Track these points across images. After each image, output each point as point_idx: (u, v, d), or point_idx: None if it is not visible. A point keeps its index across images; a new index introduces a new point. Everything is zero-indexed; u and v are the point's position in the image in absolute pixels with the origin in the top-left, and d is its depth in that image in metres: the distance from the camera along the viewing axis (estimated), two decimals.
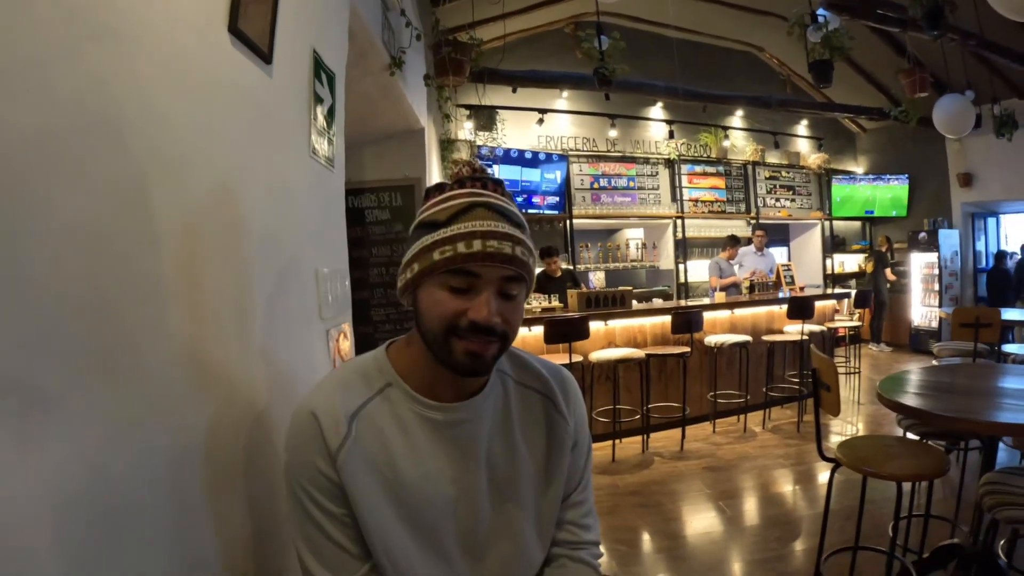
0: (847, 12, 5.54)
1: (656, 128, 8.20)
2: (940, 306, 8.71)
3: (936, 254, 8.87)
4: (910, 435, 2.99)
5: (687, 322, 5.34)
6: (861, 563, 2.81)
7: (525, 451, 1.12)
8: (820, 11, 5.39)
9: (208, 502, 1.07)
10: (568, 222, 7.61)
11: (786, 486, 4.32)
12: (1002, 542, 2.62)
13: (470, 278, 0.95)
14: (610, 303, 5.52)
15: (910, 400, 2.52)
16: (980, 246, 9.58)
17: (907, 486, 2.76)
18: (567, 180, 7.49)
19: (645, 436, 5.25)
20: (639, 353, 4.99)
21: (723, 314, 6.03)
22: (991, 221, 9.72)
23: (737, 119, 8.85)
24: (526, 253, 0.99)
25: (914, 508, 3.01)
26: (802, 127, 9.44)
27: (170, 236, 1.00)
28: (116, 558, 0.82)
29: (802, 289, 7.07)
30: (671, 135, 8.17)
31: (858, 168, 9.93)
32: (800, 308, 5.74)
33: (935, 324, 8.82)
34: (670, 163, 8.16)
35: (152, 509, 0.91)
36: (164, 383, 0.97)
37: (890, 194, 9.55)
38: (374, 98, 3.86)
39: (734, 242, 7.19)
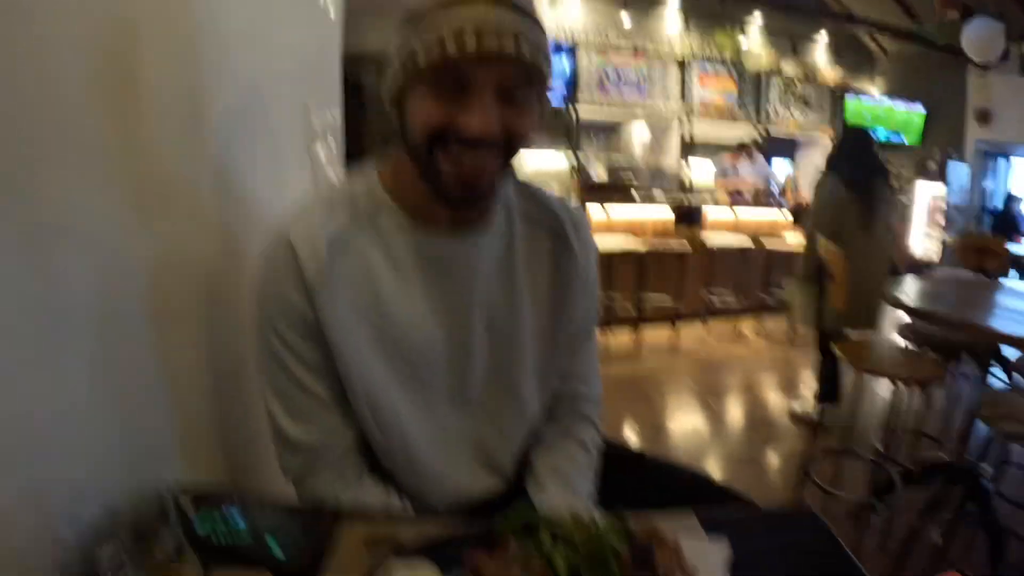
0: None
1: (670, 22, 8.10)
2: (944, 249, 8.86)
3: (944, 186, 8.98)
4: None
5: (690, 217, 5.44)
6: (848, 470, 2.98)
7: (528, 296, 1.06)
8: None
9: (153, 336, 0.98)
10: (574, 111, 7.57)
11: (775, 390, 4.57)
12: (989, 467, 2.75)
13: (463, 82, 0.83)
14: (611, 192, 5.61)
15: (914, 303, 2.65)
16: (989, 186, 9.69)
17: (898, 400, 2.92)
18: (575, 71, 7.44)
19: (637, 329, 5.51)
20: (639, 246, 5.20)
21: (726, 216, 6.18)
22: (1003, 162, 9.83)
23: (755, 27, 8.74)
24: (536, 47, 0.83)
25: (903, 423, 3.14)
26: (821, 42, 9.36)
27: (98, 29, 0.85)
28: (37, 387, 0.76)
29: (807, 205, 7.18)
30: (686, 26, 8.07)
31: (874, 90, 9.91)
32: (802, 216, 5.86)
33: (934, 257, 9.02)
34: (682, 63, 8.09)
35: (75, 342, 0.82)
36: (82, 193, 0.83)
37: (904, 119, 9.56)
38: None
39: (741, 147, 7.30)
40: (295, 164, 1.55)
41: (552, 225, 1.08)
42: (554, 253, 1.08)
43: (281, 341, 0.93)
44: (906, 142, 9.69)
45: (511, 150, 0.89)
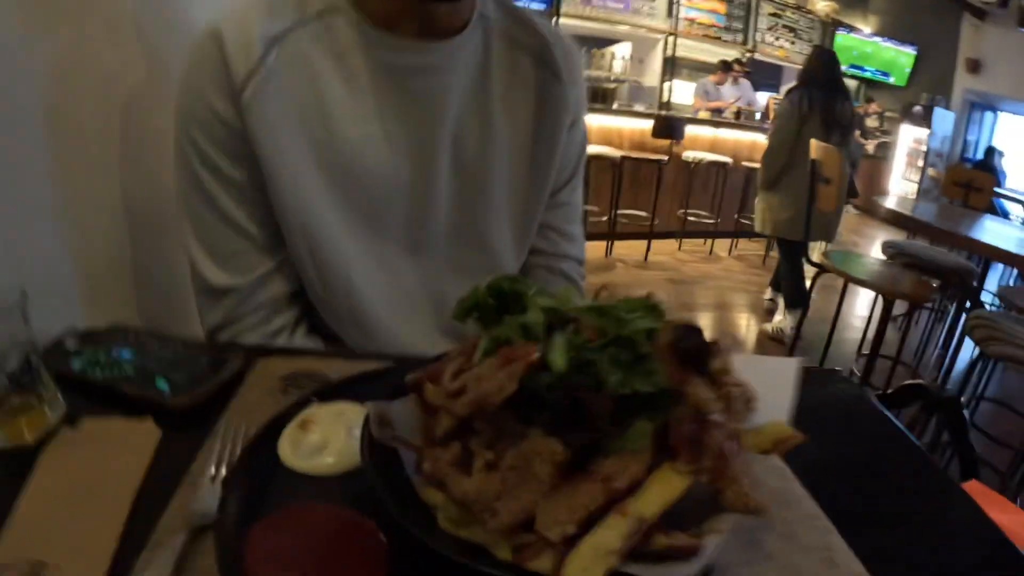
0: None
1: None
2: (920, 184, 8.80)
3: (927, 131, 8.85)
4: None
5: (669, 127, 5.22)
6: None
7: (505, 127, 0.92)
8: None
9: (51, 161, 0.86)
10: (555, 21, 7.17)
11: (747, 310, 4.51)
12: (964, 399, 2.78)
13: None
14: (590, 97, 5.30)
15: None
16: (972, 137, 9.60)
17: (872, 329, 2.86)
18: None
19: (610, 242, 5.37)
20: (615, 153, 4.86)
21: (706, 132, 6.03)
22: (988, 116, 9.71)
23: None
24: None
25: (882, 350, 2.93)
26: None
27: None
28: None
29: None
30: None
31: (866, 27, 9.65)
32: None
33: (912, 196, 8.93)
34: None
35: None
36: None
37: (892, 58, 9.36)
38: None
39: (725, 68, 7.11)
40: None
41: (538, 50, 0.93)
42: (538, 82, 0.93)
43: (203, 160, 0.80)
44: (892, 82, 9.53)
45: None
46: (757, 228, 4.07)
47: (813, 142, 3.39)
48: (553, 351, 0.46)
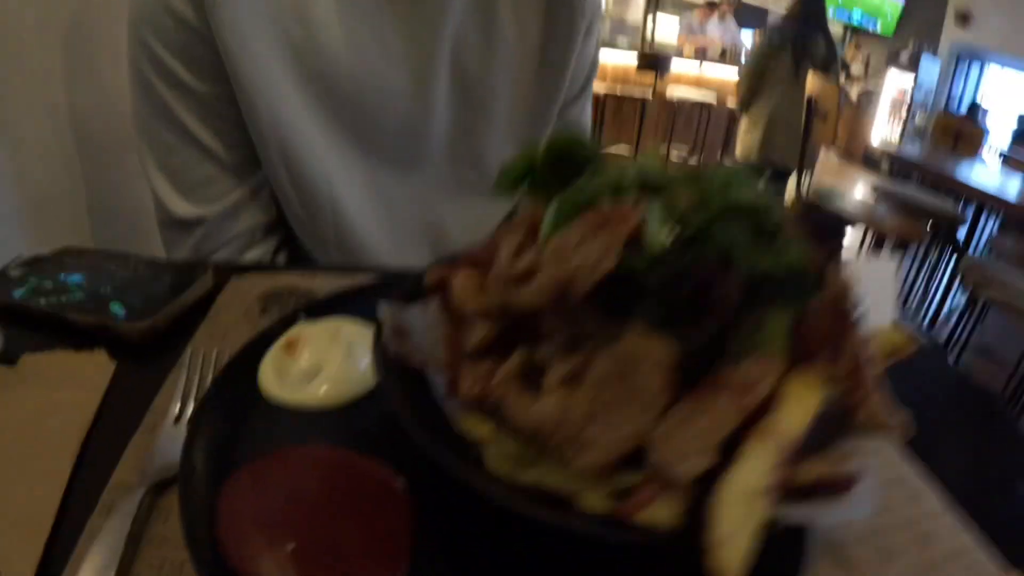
0: None
1: None
2: (904, 132, 8.77)
3: (913, 80, 8.78)
4: None
5: (654, 62, 5.06)
6: None
7: (512, 35, 0.83)
8: None
9: None
10: None
11: None
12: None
13: None
14: None
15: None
16: (957, 90, 9.54)
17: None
18: None
19: None
20: (597, 88, 4.69)
21: (690, 69, 5.81)
22: (974, 69, 9.63)
23: None
24: None
25: None
26: None
27: None
28: None
29: None
30: None
31: None
32: None
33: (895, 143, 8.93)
34: None
35: None
36: None
37: (879, 4, 9.24)
38: None
39: (710, 5, 6.89)
40: None
41: None
42: None
43: (160, 71, 0.70)
44: (879, 30, 9.40)
45: None
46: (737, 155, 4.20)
47: (811, 78, 3.34)
48: (652, 220, 0.33)
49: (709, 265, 0.32)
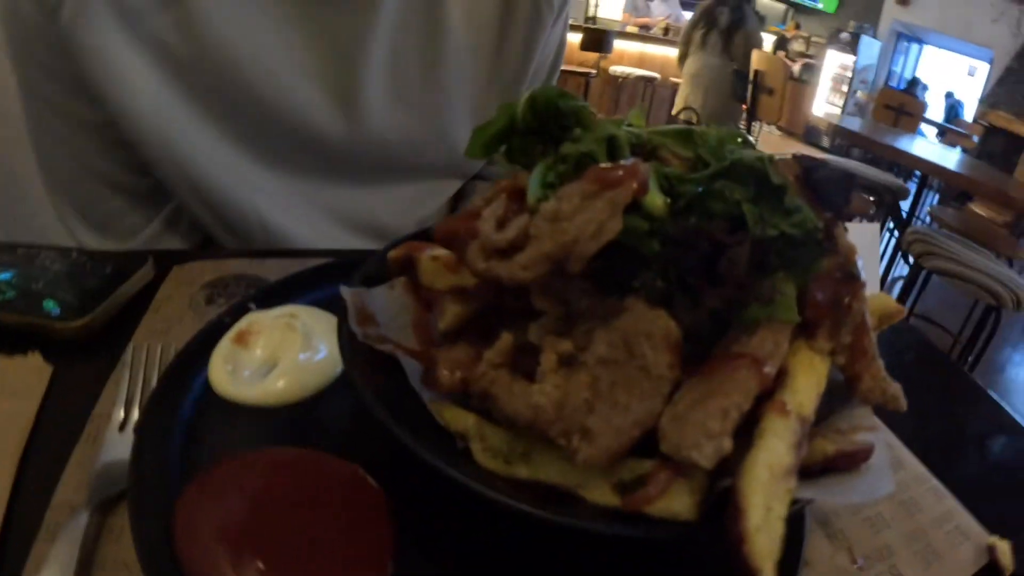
0: None
1: None
2: (844, 108, 8.95)
3: (854, 57, 8.95)
4: None
5: (597, 41, 5.07)
6: None
7: (460, 23, 0.73)
8: None
9: None
10: None
11: None
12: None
13: None
14: None
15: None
16: (897, 68, 9.76)
17: None
18: None
19: None
20: None
21: (633, 47, 5.84)
22: (914, 48, 9.86)
23: None
24: None
25: None
26: None
27: None
28: None
29: None
30: None
31: None
32: None
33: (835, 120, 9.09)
34: None
35: None
36: None
37: None
38: None
39: None
40: None
41: None
42: None
43: (39, 93, 0.63)
44: (821, 7, 9.56)
45: None
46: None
47: (756, 53, 3.40)
48: (652, 182, 0.30)
49: (718, 229, 0.29)
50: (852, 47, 9.02)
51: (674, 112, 4.65)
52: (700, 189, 0.30)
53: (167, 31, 0.60)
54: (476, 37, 0.76)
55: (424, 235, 0.40)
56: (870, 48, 9.12)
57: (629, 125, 0.36)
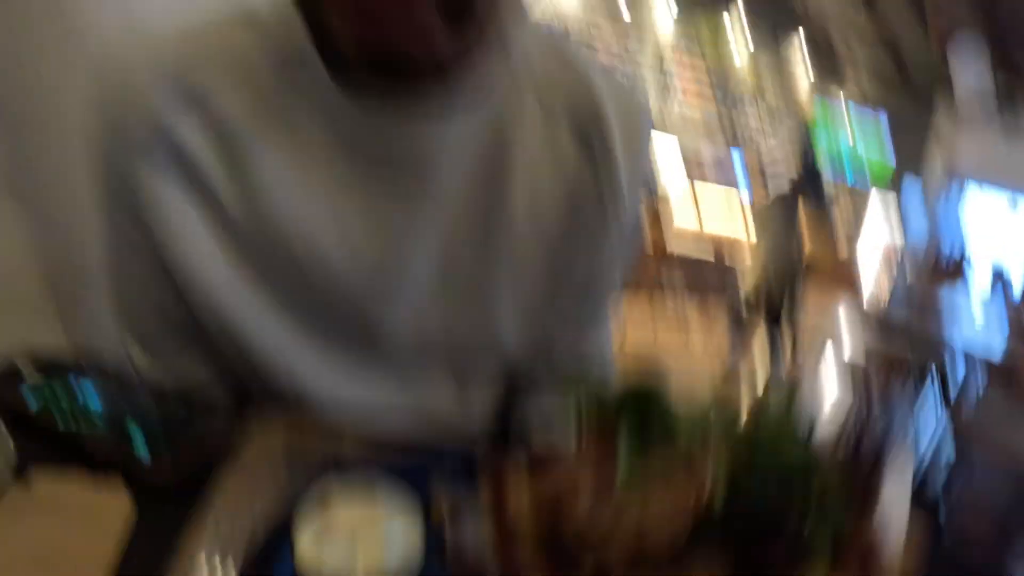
0: None
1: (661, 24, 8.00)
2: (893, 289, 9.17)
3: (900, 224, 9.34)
4: None
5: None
6: None
7: (522, 215, 0.70)
8: None
9: None
10: None
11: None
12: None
13: None
14: None
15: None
16: (944, 228, 10.03)
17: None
18: None
19: None
20: None
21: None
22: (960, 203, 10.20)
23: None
24: None
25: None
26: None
27: None
28: None
29: None
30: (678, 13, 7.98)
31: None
32: None
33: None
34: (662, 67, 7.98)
35: None
36: None
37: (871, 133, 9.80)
38: None
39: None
40: None
41: (581, 121, 0.69)
42: (576, 165, 0.69)
43: (114, 225, 0.67)
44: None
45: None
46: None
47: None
48: (715, 485, 0.40)
49: (760, 529, 0.38)
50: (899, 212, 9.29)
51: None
52: (751, 490, 0.40)
53: (232, 196, 0.63)
54: (537, 235, 0.71)
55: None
56: (915, 195, 9.46)
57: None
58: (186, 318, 0.68)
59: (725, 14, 8.48)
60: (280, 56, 0.61)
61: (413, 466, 0.52)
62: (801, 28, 9.19)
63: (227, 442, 0.56)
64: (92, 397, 0.59)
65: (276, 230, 0.64)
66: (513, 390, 0.81)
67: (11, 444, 0.50)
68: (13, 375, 0.59)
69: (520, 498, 0.44)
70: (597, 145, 0.69)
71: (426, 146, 0.64)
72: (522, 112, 0.67)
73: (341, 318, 0.70)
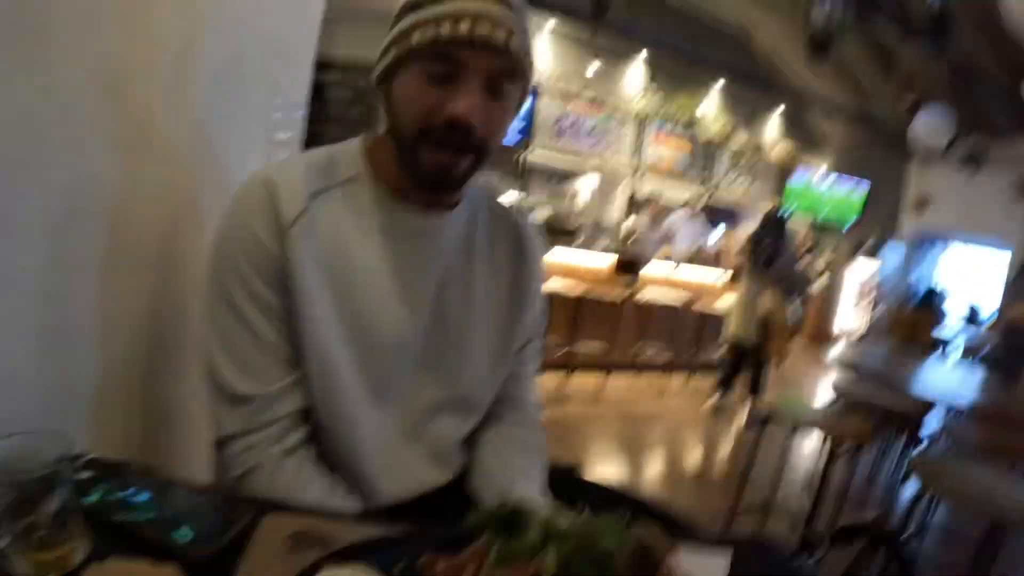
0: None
1: (632, 81, 8.36)
2: (871, 319, 9.34)
3: (878, 265, 9.54)
4: None
5: (632, 265, 5.59)
6: (770, 528, 3.03)
7: (486, 286, 1.08)
8: None
9: (99, 282, 1.00)
10: (523, 156, 7.64)
11: (700, 446, 4.73)
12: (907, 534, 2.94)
13: (453, 66, 0.87)
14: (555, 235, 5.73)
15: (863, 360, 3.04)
16: (919, 272, 10.34)
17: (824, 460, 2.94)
18: (532, 112, 7.53)
19: (567, 373, 5.51)
20: (574, 291, 5.28)
21: (662, 271, 6.33)
22: (937, 248, 10.59)
23: (715, 94, 9.08)
24: (523, 44, 0.89)
25: (831, 486, 2.94)
26: (775, 117, 9.80)
27: None
28: None
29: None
30: (651, 81, 8.36)
31: (822, 165, 10.36)
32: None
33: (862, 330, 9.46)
34: (640, 120, 8.33)
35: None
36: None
37: (843, 199, 10.09)
38: None
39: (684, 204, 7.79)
40: (256, 146, 1.57)
41: (513, 227, 1.13)
42: (513, 252, 1.12)
43: (241, 282, 0.90)
44: (842, 227, 10.22)
45: (482, 154, 0.94)
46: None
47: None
48: (548, 561, 0.67)
49: None
50: (875, 255, 9.71)
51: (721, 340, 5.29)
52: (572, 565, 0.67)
53: (338, 266, 0.93)
54: (494, 300, 1.08)
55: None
56: (895, 253, 9.85)
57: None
58: (291, 355, 0.93)
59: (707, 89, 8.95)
60: (351, 176, 0.97)
61: (381, 546, 0.73)
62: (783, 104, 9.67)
63: (250, 531, 0.75)
64: (141, 494, 0.76)
65: (359, 296, 0.95)
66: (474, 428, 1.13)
67: (87, 535, 0.67)
68: (81, 481, 0.74)
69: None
70: (523, 239, 1.13)
71: (439, 232, 1.01)
72: (477, 224, 1.08)
73: (385, 360, 0.99)
